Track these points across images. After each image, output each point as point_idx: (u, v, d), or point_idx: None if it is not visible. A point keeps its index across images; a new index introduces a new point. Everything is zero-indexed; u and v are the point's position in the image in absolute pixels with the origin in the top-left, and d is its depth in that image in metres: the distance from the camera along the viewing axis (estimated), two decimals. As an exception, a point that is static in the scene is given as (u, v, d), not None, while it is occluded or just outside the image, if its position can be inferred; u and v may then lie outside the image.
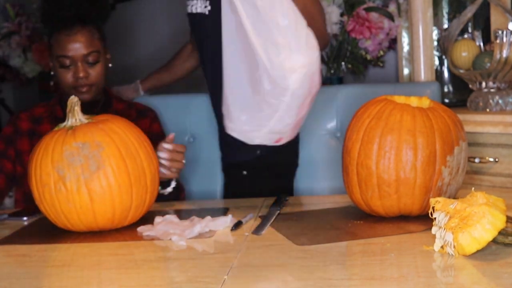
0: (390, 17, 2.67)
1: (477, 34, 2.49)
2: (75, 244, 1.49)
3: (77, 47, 2.01)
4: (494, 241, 1.22)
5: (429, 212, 1.29)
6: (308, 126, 2.19)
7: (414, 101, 1.59)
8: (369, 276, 1.16)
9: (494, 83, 2.36)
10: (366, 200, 1.53)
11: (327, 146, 2.33)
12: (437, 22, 2.78)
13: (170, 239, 1.44)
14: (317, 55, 1.85)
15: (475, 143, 2.22)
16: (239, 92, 1.91)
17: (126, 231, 1.56)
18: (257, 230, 1.48)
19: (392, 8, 2.70)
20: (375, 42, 2.69)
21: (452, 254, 1.22)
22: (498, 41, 2.26)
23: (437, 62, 2.79)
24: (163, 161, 1.76)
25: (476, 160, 2.23)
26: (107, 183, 1.50)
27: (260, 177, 2.18)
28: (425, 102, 1.58)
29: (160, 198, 1.80)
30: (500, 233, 1.21)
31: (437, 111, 1.52)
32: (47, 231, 1.57)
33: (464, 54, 2.42)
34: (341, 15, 2.67)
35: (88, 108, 1.93)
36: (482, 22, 2.69)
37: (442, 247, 1.25)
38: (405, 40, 2.77)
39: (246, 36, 1.85)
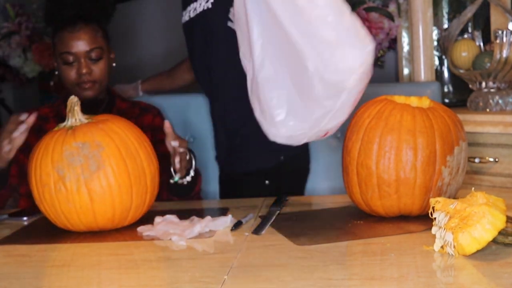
0: (390, 17, 2.67)
1: (477, 34, 2.49)
2: (75, 244, 1.49)
3: (80, 43, 2.03)
4: (494, 241, 1.22)
5: (429, 212, 1.29)
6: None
7: (414, 101, 1.59)
8: (369, 276, 1.16)
9: (494, 83, 2.36)
10: (366, 200, 1.53)
11: (327, 146, 2.33)
12: (437, 22, 2.78)
13: (170, 239, 1.44)
14: (372, 46, 1.60)
15: (475, 143, 2.22)
16: (282, 96, 1.71)
17: (126, 231, 1.56)
18: (257, 230, 1.47)
19: (392, 8, 2.70)
20: (375, 42, 2.69)
21: (452, 254, 1.22)
22: (498, 41, 2.27)
23: (437, 62, 2.79)
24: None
25: (476, 160, 2.23)
26: (107, 183, 1.50)
27: (281, 185, 2.19)
28: (425, 102, 1.58)
29: (179, 190, 1.86)
30: (500, 233, 1.21)
31: (437, 111, 1.52)
32: (47, 231, 1.57)
33: (464, 54, 2.42)
34: (341, 15, 2.67)
35: (93, 108, 1.93)
36: (482, 22, 2.69)
37: (442, 247, 1.25)
38: (405, 40, 2.78)
39: (283, 36, 1.64)
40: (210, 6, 2.05)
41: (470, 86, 2.45)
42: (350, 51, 1.56)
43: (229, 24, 2.03)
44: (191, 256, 1.35)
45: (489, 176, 2.22)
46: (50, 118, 2.11)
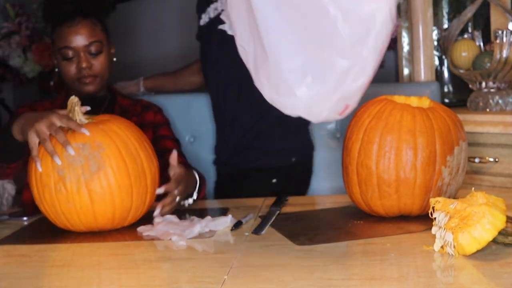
0: (390, 17, 2.66)
1: (477, 34, 2.49)
2: (75, 244, 1.49)
3: (79, 38, 2.00)
4: (494, 241, 1.22)
5: (429, 212, 1.29)
6: (308, 126, 2.20)
7: (414, 101, 1.59)
8: (369, 276, 1.16)
9: (494, 83, 2.36)
10: (366, 200, 1.53)
11: (327, 146, 2.33)
12: (437, 22, 2.78)
13: (170, 239, 1.44)
14: None
15: (475, 143, 2.22)
16: (297, 56, 1.48)
17: (126, 231, 1.56)
18: (257, 230, 1.47)
19: (392, 8, 2.70)
20: (375, 42, 2.68)
21: (452, 254, 1.22)
22: (498, 41, 2.26)
23: (437, 62, 2.79)
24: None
25: (476, 160, 2.23)
26: (107, 183, 1.50)
27: (287, 185, 2.20)
28: (425, 102, 1.58)
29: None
30: (500, 233, 1.21)
31: (437, 111, 1.52)
32: (47, 231, 1.57)
33: (464, 54, 2.42)
34: (341, 15, 2.67)
35: (95, 105, 1.92)
36: (482, 22, 2.69)
37: (442, 247, 1.25)
38: (405, 40, 2.78)
39: None
40: None
41: (470, 86, 2.45)
42: None
43: (224, 27, 2.02)
44: (191, 256, 1.35)
45: (489, 176, 2.22)
46: None
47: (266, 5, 1.49)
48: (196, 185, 1.84)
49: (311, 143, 2.30)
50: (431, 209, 1.29)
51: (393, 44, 2.81)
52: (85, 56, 2.01)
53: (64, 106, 2.07)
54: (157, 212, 1.59)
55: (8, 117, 3.63)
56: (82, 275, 1.28)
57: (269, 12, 1.49)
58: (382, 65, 2.83)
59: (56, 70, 2.12)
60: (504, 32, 2.26)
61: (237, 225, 1.52)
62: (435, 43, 2.74)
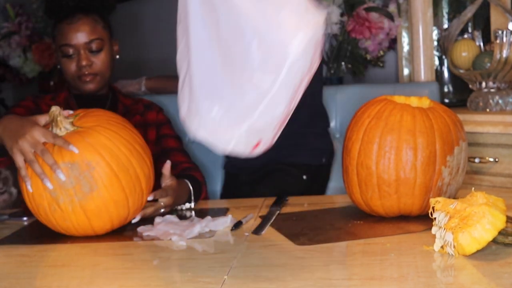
0: (390, 17, 2.67)
1: (477, 34, 2.49)
2: (75, 244, 1.49)
3: (79, 35, 1.98)
4: (494, 241, 1.22)
5: (429, 212, 1.29)
6: (308, 126, 2.20)
7: (414, 101, 1.59)
8: (369, 276, 1.16)
9: (494, 83, 2.36)
10: (366, 200, 1.53)
11: (327, 146, 2.33)
12: (437, 22, 2.79)
13: (170, 239, 1.44)
14: (323, 16, 1.31)
15: (475, 143, 2.22)
16: (210, 80, 1.40)
17: (126, 231, 1.55)
18: (257, 230, 1.47)
19: (392, 8, 2.70)
20: (375, 42, 2.69)
21: (452, 254, 1.22)
22: (498, 41, 2.27)
23: (437, 62, 2.79)
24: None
25: (476, 160, 2.23)
26: (102, 202, 1.46)
27: (313, 184, 2.26)
28: (425, 102, 1.58)
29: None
30: (500, 233, 1.21)
31: (437, 111, 1.52)
32: (47, 231, 1.57)
33: (464, 54, 2.42)
34: (341, 15, 2.68)
35: (98, 106, 1.91)
36: (482, 22, 2.69)
37: (442, 247, 1.25)
38: (405, 40, 2.78)
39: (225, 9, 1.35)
40: None
41: (470, 86, 2.45)
42: (299, 10, 1.28)
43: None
44: (191, 256, 1.35)
45: (489, 176, 2.22)
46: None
47: (197, 23, 1.41)
48: (190, 195, 1.80)
49: (333, 148, 2.32)
50: (431, 209, 1.29)
51: (393, 44, 2.81)
52: (85, 54, 1.99)
53: (65, 103, 2.07)
54: (135, 220, 1.56)
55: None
56: (82, 275, 1.28)
57: (198, 29, 1.40)
58: (382, 65, 2.86)
59: (58, 67, 2.11)
60: (504, 32, 2.26)
61: (237, 225, 1.52)
62: (435, 43, 2.74)
